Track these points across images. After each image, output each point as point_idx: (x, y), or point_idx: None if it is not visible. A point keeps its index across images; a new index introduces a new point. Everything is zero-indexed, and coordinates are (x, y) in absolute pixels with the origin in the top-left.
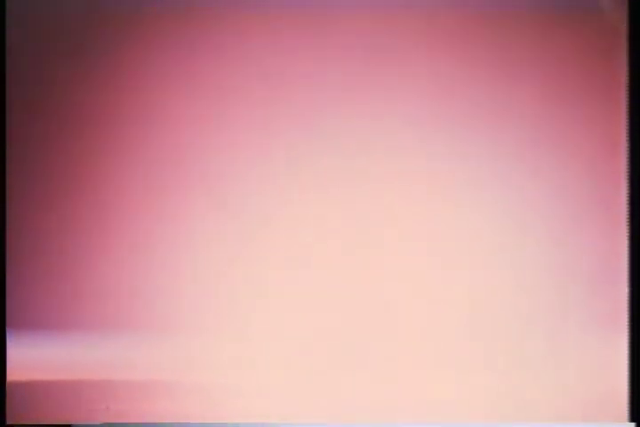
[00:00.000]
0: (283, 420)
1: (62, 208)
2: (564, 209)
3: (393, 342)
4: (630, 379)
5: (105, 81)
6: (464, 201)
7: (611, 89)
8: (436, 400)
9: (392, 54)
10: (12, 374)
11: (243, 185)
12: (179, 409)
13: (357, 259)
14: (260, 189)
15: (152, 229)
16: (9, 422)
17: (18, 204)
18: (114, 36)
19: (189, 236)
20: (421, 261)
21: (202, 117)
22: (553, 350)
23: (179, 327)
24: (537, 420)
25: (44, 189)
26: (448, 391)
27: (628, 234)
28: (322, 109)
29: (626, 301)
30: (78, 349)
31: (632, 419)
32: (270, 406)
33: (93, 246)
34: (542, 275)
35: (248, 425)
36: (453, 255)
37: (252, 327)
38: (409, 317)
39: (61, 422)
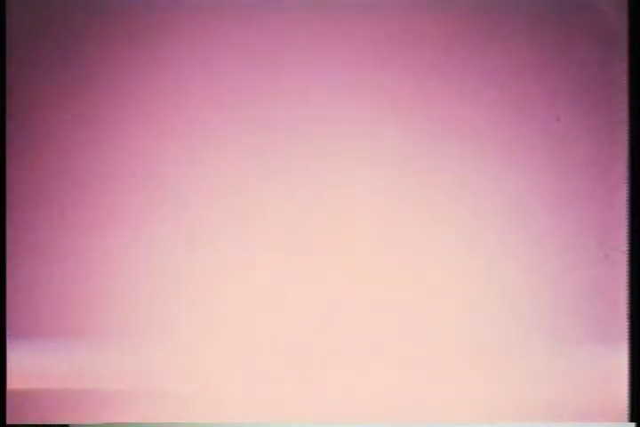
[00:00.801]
0: (272, 421)
1: (62, 214)
2: (564, 213)
3: (392, 343)
4: (630, 379)
5: (104, 80)
6: (462, 205)
7: (611, 89)
8: (436, 401)
9: (388, 55)
10: (11, 382)
11: (236, 182)
12: (176, 413)
13: (348, 259)
14: (250, 188)
15: (147, 235)
16: (9, 422)
17: (17, 208)
18: (112, 35)
19: (181, 240)
20: (417, 262)
21: (202, 117)
22: (553, 351)
23: (175, 333)
24: (537, 420)
25: (44, 197)
26: (449, 392)
27: (628, 235)
28: (316, 110)
29: (626, 301)
30: (78, 356)
31: (632, 419)
32: (255, 408)
33: (94, 255)
34: (542, 275)
35: (246, 425)
36: (451, 258)
37: (242, 329)
38: (408, 318)
39: (61, 422)
